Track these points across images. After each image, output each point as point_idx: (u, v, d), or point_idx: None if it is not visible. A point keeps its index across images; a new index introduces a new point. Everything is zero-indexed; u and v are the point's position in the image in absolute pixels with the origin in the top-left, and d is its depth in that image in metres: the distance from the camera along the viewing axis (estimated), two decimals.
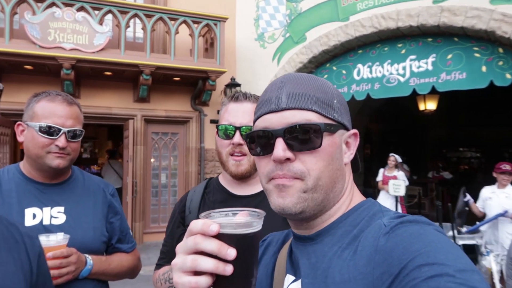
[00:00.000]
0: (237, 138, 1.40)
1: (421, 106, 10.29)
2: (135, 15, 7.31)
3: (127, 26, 7.32)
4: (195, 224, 0.62)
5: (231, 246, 0.60)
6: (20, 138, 1.55)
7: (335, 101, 0.79)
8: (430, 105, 10.12)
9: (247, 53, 8.72)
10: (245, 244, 0.62)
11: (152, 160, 8.48)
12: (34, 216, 1.50)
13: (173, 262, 0.63)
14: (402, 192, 7.39)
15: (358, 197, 0.83)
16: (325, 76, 7.80)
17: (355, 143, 0.83)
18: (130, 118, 8.04)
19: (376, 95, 7.05)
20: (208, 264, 0.59)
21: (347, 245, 0.72)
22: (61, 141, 1.49)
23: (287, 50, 8.09)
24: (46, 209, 1.53)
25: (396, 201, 7.59)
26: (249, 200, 1.43)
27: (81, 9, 6.93)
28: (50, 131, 1.48)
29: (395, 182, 7.46)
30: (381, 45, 7.11)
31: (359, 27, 7.00)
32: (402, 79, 6.76)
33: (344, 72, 7.52)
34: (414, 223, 0.68)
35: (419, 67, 6.62)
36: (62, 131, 1.50)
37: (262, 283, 0.88)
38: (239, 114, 1.42)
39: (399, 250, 0.62)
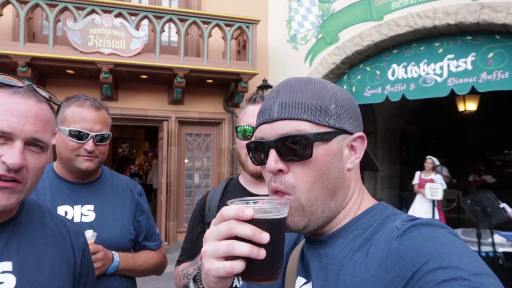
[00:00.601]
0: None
1: (461, 107, 9.88)
2: (170, 20, 7.50)
3: (162, 30, 7.52)
4: (227, 210, 0.63)
5: (264, 230, 0.62)
6: (52, 141, 1.64)
7: (332, 106, 0.76)
8: (470, 105, 9.69)
9: (279, 54, 8.73)
10: (275, 229, 0.64)
11: (186, 160, 8.66)
12: (66, 213, 1.58)
13: (204, 249, 0.64)
14: (439, 196, 7.14)
15: (369, 202, 0.81)
16: (359, 76, 7.67)
17: (362, 146, 0.80)
18: (164, 119, 8.26)
19: (412, 96, 6.85)
20: (243, 248, 0.60)
21: (358, 247, 0.71)
22: (89, 145, 1.57)
23: (320, 51, 8.02)
24: (77, 207, 1.61)
25: (433, 205, 7.34)
26: None
27: (118, 15, 7.20)
28: (79, 135, 1.56)
29: (432, 186, 7.21)
30: (417, 45, 6.90)
31: (394, 27, 6.83)
32: (439, 79, 6.52)
33: (378, 72, 7.36)
34: (427, 226, 0.66)
35: (457, 66, 6.37)
36: (90, 136, 1.58)
37: (272, 285, 0.86)
38: (256, 115, 1.45)
39: (412, 253, 0.61)
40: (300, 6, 8.38)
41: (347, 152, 0.78)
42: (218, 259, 0.61)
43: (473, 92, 6.27)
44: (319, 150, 0.73)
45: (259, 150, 0.79)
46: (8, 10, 6.92)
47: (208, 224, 1.52)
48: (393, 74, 7.10)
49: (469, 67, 6.21)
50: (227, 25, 7.80)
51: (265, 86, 8.16)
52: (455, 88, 6.35)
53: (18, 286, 0.96)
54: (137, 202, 1.79)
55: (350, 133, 0.78)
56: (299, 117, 0.73)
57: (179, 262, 1.63)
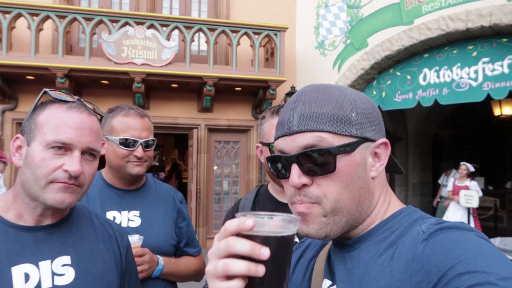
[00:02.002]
0: None
1: (496, 111, 9.55)
2: (200, 30, 7.67)
3: (192, 40, 7.69)
4: (230, 223, 0.60)
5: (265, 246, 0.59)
6: (101, 151, 1.73)
7: (353, 115, 0.74)
8: (507, 109, 9.36)
9: (307, 61, 8.73)
10: (278, 246, 0.61)
11: (215, 167, 8.77)
12: (114, 218, 1.66)
13: (206, 269, 0.61)
14: (475, 203, 6.91)
15: (396, 206, 0.80)
16: (389, 82, 7.56)
17: (386, 153, 0.78)
18: (194, 127, 8.41)
19: (445, 101, 6.68)
20: (239, 267, 0.57)
21: (383, 251, 0.70)
22: (139, 151, 1.66)
23: (348, 57, 7.97)
24: (124, 213, 1.69)
25: (469, 213, 7.11)
26: None
27: (150, 26, 7.43)
28: (128, 143, 1.65)
29: (467, 193, 7.00)
30: (449, 48, 6.74)
31: (425, 30, 6.71)
32: (474, 84, 6.34)
33: (408, 77, 7.23)
34: (454, 229, 0.64)
35: (493, 70, 6.17)
36: (138, 142, 1.66)
37: (299, 286, 0.87)
38: None
39: (437, 258, 0.60)
40: (328, 12, 8.38)
41: (370, 160, 0.76)
42: (218, 278, 0.58)
43: (510, 96, 6.07)
44: (342, 161, 0.72)
45: (279, 164, 0.77)
46: (48, 24, 7.27)
47: None
48: (424, 79, 6.96)
49: (506, 70, 6.01)
50: (255, 33, 7.90)
51: (293, 93, 8.17)
52: (491, 92, 6.15)
53: (77, 278, 1.06)
54: (179, 209, 1.85)
55: (373, 140, 0.76)
56: (320, 128, 0.72)
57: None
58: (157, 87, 8.10)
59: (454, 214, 7.38)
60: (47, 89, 1.07)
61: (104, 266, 1.14)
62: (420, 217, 0.74)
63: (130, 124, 1.67)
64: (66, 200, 1.01)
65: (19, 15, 6.94)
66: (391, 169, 0.87)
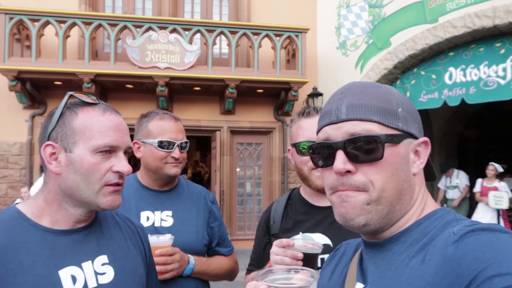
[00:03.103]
0: None
1: None
2: (221, 33, 7.75)
3: (214, 43, 7.78)
4: (248, 286, 0.66)
5: None
6: (138, 155, 1.78)
7: (399, 110, 0.75)
8: None
9: (329, 62, 8.69)
10: None
11: (238, 169, 8.82)
12: (148, 218, 1.71)
13: None
14: (505, 205, 6.72)
15: (431, 206, 0.79)
16: (413, 81, 7.45)
17: (426, 152, 0.78)
18: (217, 129, 8.48)
19: (472, 100, 6.53)
20: None
21: (415, 253, 0.70)
22: (176, 152, 1.71)
23: (371, 57, 7.89)
24: (157, 213, 1.73)
25: (498, 214, 6.91)
26: (329, 211, 1.42)
27: (173, 31, 7.55)
28: (166, 146, 1.70)
29: (496, 194, 6.81)
30: (476, 46, 6.58)
31: (450, 28, 6.57)
32: (502, 82, 6.17)
33: (434, 76, 7.10)
34: (487, 231, 0.62)
35: None
36: (175, 144, 1.72)
37: None
38: (313, 129, 1.42)
39: (468, 260, 0.59)
40: (349, 12, 8.32)
41: (412, 157, 0.77)
42: None
43: None
44: (389, 151, 0.72)
45: (322, 152, 0.78)
46: (74, 31, 7.49)
47: (273, 236, 1.54)
48: (450, 78, 6.82)
49: None
50: (276, 35, 7.92)
51: (315, 94, 8.15)
52: None
53: (116, 275, 1.10)
54: (210, 209, 1.88)
55: (415, 138, 0.77)
56: (369, 118, 0.73)
57: (248, 271, 1.69)
58: (180, 90, 8.22)
59: (483, 216, 7.18)
60: (72, 93, 1.07)
61: (134, 261, 1.18)
62: (453, 219, 0.72)
63: (166, 127, 1.73)
64: (117, 202, 1.06)
65: (47, 23, 7.17)
66: (425, 173, 0.85)
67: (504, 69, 6.14)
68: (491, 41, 6.38)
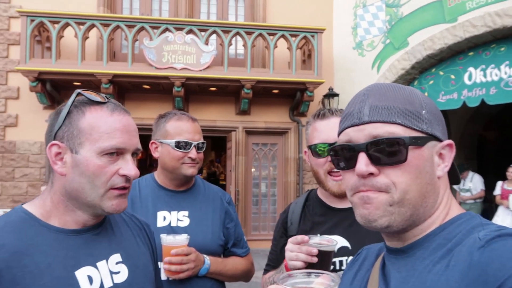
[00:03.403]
0: None
1: None
2: (237, 33, 7.77)
3: (230, 44, 7.80)
4: None
5: None
6: (155, 154, 1.80)
7: (423, 112, 0.74)
8: None
9: (345, 62, 8.62)
10: None
11: (253, 170, 8.83)
12: (164, 218, 1.72)
13: None
14: None
15: (455, 210, 0.77)
16: (431, 82, 7.33)
17: (450, 155, 0.76)
18: (232, 130, 8.51)
19: (493, 100, 6.39)
20: None
21: (439, 259, 0.68)
22: (193, 153, 1.73)
23: (388, 57, 7.80)
24: (174, 213, 1.75)
25: None
26: (347, 213, 1.43)
27: (189, 32, 7.61)
28: (183, 146, 1.72)
29: None
30: (496, 45, 6.44)
31: (469, 28, 6.45)
32: None
33: (452, 77, 6.97)
34: None
35: None
36: (192, 145, 1.73)
37: None
38: (329, 130, 1.42)
39: (495, 266, 0.57)
40: (366, 12, 8.24)
41: (437, 160, 0.75)
42: None
43: None
44: (412, 154, 0.71)
45: (344, 154, 0.77)
46: (93, 33, 7.62)
47: (291, 237, 1.54)
48: (470, 78, 6.69)
49: None
50: (292, 36, 7.90)
51: (331, 94, 8.10)
52: None
53: (130, 273, 1.08)
54: (226, 210, 1.88)
55: (440, 140, 0.75)
56: (392, 120, 0.72)
57: (265, 271, 1.69)
58: (196, 91, 8.27)
59: (504, 219, 7.01)
60: (79, 90, 1.03)
61: (144, 258, 1.18)
62: (479, 224, 0.70)
63: (184, 128, 1.74)
64: (122, 206, 1.03)
65: (67, 25, 7.31)
66: (450, 176, 0.83)
67: None
68: None
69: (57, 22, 7.27)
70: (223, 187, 9.51)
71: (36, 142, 7.90)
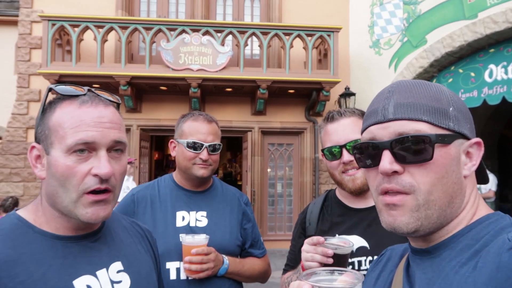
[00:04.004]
0: (346, 156, 1.40)
1: None
2: (253, 34, 7.79)
3: (246, 44, 7.83)
4: (292, 285, 0.67)
5: None
6: (173, 153, 1.82)
7: (450, 109, 0.72)
8: None
9: (362, 61, 8.55)
10: None
11: (269, 170, 8.83)
12: (183, 218, 1.74)
13: None
14: None
15: (483, 210, 0.74)
16: (450, 80, 7.20)
17: (478, 153, 0.74)
18: (248, 130, 8.53)
19: None
20: None
21: (466, 260, 0.66)
22: (204, 154, 1.72)
23: (405, 55, 7.70)
24: (192, 213, 1.77)
25: None
26: (366, 213, 1.44)
27: (206, 33, 7.67)
28: (195, 146, 1.72)
29: None
30: None
31: (490, 24, 6.31)
32: None
33: (472, 74, 6.84)
34: None
35: None
36: (204, 146, 1.73)
37: None
38: (339, 132, 1.42)
39: None
40: (383, 10, 8.15)
41: (464, 158, 0.73)
42: None
43: None
44: (439, 152, 0.69)
45: (368, 152, 0.75)
46: (111, 35, 7.76)
47: (309, 237, 1.55)
48: (490, 75, 6.55)
49: None
50: (308, 35, 7.87)
51: (347, 94, 8.04)
52: None
53: (134, 281, 1.02)
54: (244, 211, 1.89)
55: (467, 138, 0.73)
56: (418, 117, 0.70)
57: (284, 271, 1.70)
58: (212, 92, 8.33)
59: None
60: (51, 86, 0.95)
61: (147, 266, 1.11)
62: (509, 224, 0.68)
63: (198, 128, 1.75)
64: (101, 214, 0.91)
65: (86, 28, 7.47)
66: (477, 175, 0.81)
67: None
68: None
69: (77, 26, 7.43)
70: (240, 187, 9.55)
71: None
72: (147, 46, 7.52)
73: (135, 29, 7.54)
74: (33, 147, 0.93)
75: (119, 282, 0.98)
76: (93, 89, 0.95)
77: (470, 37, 6.59)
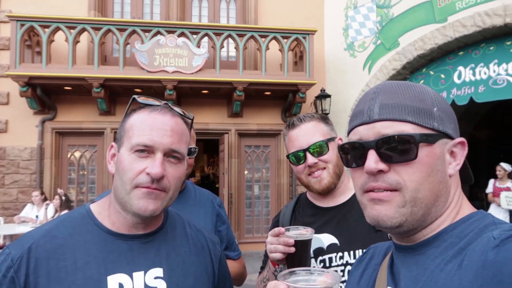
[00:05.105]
0: (310, 159, 1.42)
1: None
2: (229, 36, 7.77)
3: (222, 46, 7.80)
4: (269, 285, 0.67)
5: None
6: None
7: (435, 109, 0.74)
8: None
9: (337, 63, 8.66)
10: None
11: (246, 172, 8.81)
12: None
13: None
14: None
15: (467, 209, 0.76)
16: (421, 81, 7.38)
17: (462, 153, 0.76)
18: (225, 132, 8.49)
19: (481, 98, 6.46)
20: None
21: (451, 258, 0.67)
22: None
23: (379, 58, 7.86)
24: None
25: (510, 215, 6.81)
26: (335, 211, 1.47)
27: (181, 35, 7.59)
28: None
29: (508, 194, 6.72)
30: (486, 45, 6.52)
31: (459, 27, 6.52)
32: None
33: (442, 76, 7.04)
34: None
35: None
36: None
37: None
38: (301, 137, 1.45)
39: (510, 266, 0.56)
40: (357, 13, 8.29)
41: (448, 158, 0.74)
42: None
43: None
44: (424, 151, 0.70)
45: (354, 152, 0.77)
46: (84, 37, 7.57)
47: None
48: (459, 77, 6.76)
49: None
50: (284, 37, 7.92)
51: (323, 95, 8.13)
52: None
53: None
54: (218, 213, 1.86)
55: (451, 138, 0.75)
56: (403, 118, 0.71)
57: (259, 273, 1.69)
58: (188, 94, 8.25)
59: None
60: (135, 96, 1.05)
61: (196, 280, 1.09)
62: (492, 223, 0.69)
63: None
64: (149, 207, 0.97)
65: (57, 29, 7.26)
66: (462, 175, 0.82)
67: None
68: (502, 40, 6.32)
69: (48, 27, 7.21)
70: (218, 190, 9.48)
71: (27, 148, 7.81)
72: (121, 48, 7.38)
73: (109, 30, 7.39)
74: (111, 146, 1.05)
75: None
76: (169, 103, 1.07)
77: (440, 40, 6.79)
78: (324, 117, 1.53)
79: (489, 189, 7.37)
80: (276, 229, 1.23)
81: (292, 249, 1.19)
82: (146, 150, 0.97)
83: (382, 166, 0.71)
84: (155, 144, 0.97)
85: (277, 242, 1.21)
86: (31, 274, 0.90)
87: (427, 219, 0.73)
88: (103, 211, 1.04)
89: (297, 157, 1.45)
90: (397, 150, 0.70)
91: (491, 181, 7.37)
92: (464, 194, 0.79)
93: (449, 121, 0.75)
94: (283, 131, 1.60)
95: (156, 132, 0.98)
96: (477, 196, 10.68)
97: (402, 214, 0.71)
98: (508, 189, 6.96)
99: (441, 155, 0.73)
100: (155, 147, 0.97)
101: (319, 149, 1.42)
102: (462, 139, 0.76)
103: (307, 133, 1.45)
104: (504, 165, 7.22)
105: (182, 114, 1.08)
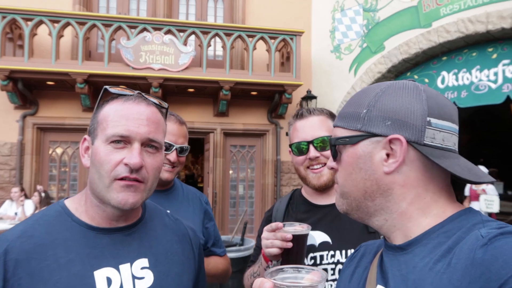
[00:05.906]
0: (313, 152, 1.43)
1: None
2: (216, 35, 7.73)
3: (209, 45, 7.76)
4: (255, 283, 0.68)
5: None
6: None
7: (364, 111, 0.77)
8: None
9: (323, 65, 8.72)
10: None
11: (231, 172, 8.79)
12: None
13: None
14: (495, 208, 6.78)
15: (455, 207, 0.76)
16: None
17: (400, 149, 0.73)
18: (210, 131, 8.46)
19: (463, 103, 6.60)
20: None
21: (440, 257, 0.68)
22: (172, 156, 1.68)
23: (365, 61, 7.94)
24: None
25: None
26: (329, 209, 1.48)
27: (168, 32, 7.52)
28: (165, 147, 1.66)
29: (487, 198, 6.88)
30: (469, 51, 6.66)
31: (443, 33, 6.64)
32: (493, 86, 6.25)
33: (426, 80, 7.16)
34: None
35: None
36: (174, 147, 1.69)
37: None
38: (307, 129, 1.47)
39: (498, 264, 0.57)
40: (344, 16, 8.37)
41: (382, 155, 0.75)
42: None
43: None
44: (345, 152, 0.81)
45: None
46: (68, 31, 7.43)
47: None
48: (443, 82, 6.89)
49: None
50: (271, 38, 7.93)
51: (309, 97, 8.17)
52: (511, 94, 6.06)
53: (156, 280, 1.03)
54: (205, 210, 1.88)
55: (384, 136, 0.75)
56: (337, 124, 0.85)
57: (248, 267, 1.68)
58: (174, 92, 8.18)
59: None
60: (107, 87, 1.04)
61: (180, 267, 1.11)
62: (480, 221, 0.69)
63: (169, 129, 1.69)
64: (129, 200, 0.96)
65: (40, 22, 7.10)
66: (461, 177, 0.79)
67: (496, 74, 6.22)
68: (484, 46, 6.46)
69: (30, 20, 7.05)
70: (201, 189, 9.42)
71: (6, 143, 7.63)
72: (106, 43, 7.27)
73: (94, 25, 7.27)
74: (84, 139, 1.03)
75: (141, 278, 1.01)
76: (143, 93, 1.04)
77: (425, 45, 6.90)
78: (333, 115, 1.55)
79: (466, 193, 7.53)
80: (273, 224, 1.22)
81: (290, 244, 1.19)
82: (122, 141, 0.96)
83: (331, 164, 0.87)
84: (131, 134, 0.96)
85: (274, 237, 1.20)
86: (10, 278, 0.87)
87: (371, 211, 0.79)
88: (80, 207, 1.02)
89: (300, 149, 1.46)
90: (330, 150, 0.86)
91: (468, 185, 7.54)
92: (449, 193, 0.78)
93: (382, 120, 0.75)
94: (289, 120, 1.57)
95: (132, 121, 0.96)
96: (456, 198, 10.89)
97: (342, 203, 0.84)
98: (483, 191, 7.12)
99: (364, 154, 0.77)
100: (131, 137, 0.96)
101: (323, 144, 1.43)
102: (393, 135, 0.74)
103: (313, 126, 1.47)
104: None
105: (157, 103, 1.06)
